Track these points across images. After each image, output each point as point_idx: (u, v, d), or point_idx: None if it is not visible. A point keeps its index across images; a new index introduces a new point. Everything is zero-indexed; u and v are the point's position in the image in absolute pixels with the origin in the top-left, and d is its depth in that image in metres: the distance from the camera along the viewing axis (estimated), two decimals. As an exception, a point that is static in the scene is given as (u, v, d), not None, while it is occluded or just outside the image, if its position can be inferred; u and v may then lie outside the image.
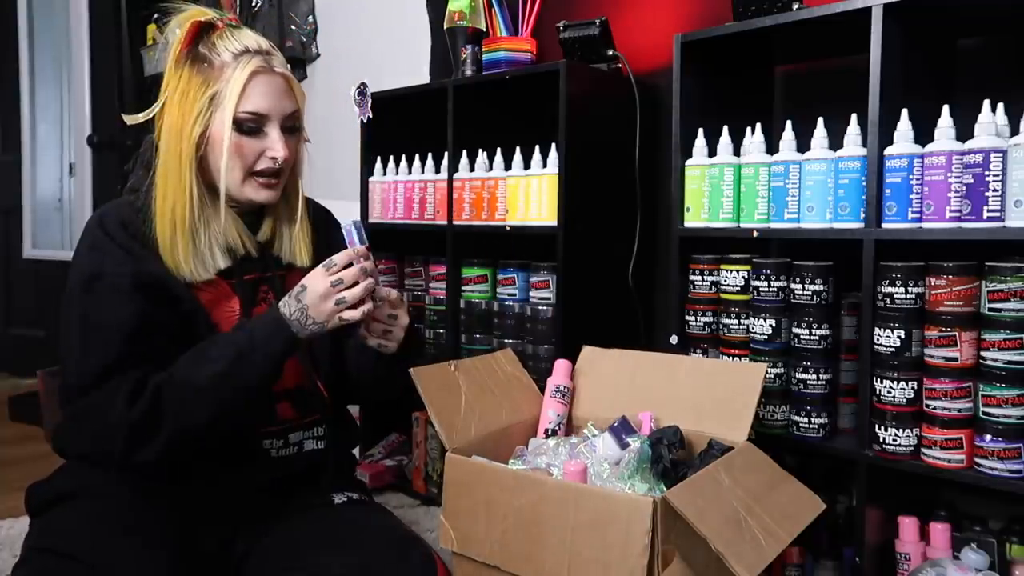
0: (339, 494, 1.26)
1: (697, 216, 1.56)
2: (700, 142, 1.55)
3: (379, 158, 2.25)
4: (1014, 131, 1.21)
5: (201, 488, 1.15)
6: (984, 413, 1.23)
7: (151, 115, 1.18)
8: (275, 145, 1.16)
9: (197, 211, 1.15)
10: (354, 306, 1.11)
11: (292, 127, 1.20)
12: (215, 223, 1.16)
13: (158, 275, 1.12)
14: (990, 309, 1.22)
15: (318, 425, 1.26)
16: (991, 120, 1.21)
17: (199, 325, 1.15)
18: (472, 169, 1.98)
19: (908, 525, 1.32)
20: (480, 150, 1.97)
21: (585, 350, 1.49)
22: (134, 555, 1.03)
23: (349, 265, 1.11)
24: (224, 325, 1.18)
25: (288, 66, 1.21)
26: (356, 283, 1.11)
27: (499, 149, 1.95)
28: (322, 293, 1.09)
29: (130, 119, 1.22)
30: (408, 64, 2.54)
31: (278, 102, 1.16)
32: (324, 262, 1.12)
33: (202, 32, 1.15)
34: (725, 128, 1.53)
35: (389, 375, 1.27)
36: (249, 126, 1.14)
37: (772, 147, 1.49)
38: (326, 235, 1.35)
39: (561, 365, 1.44)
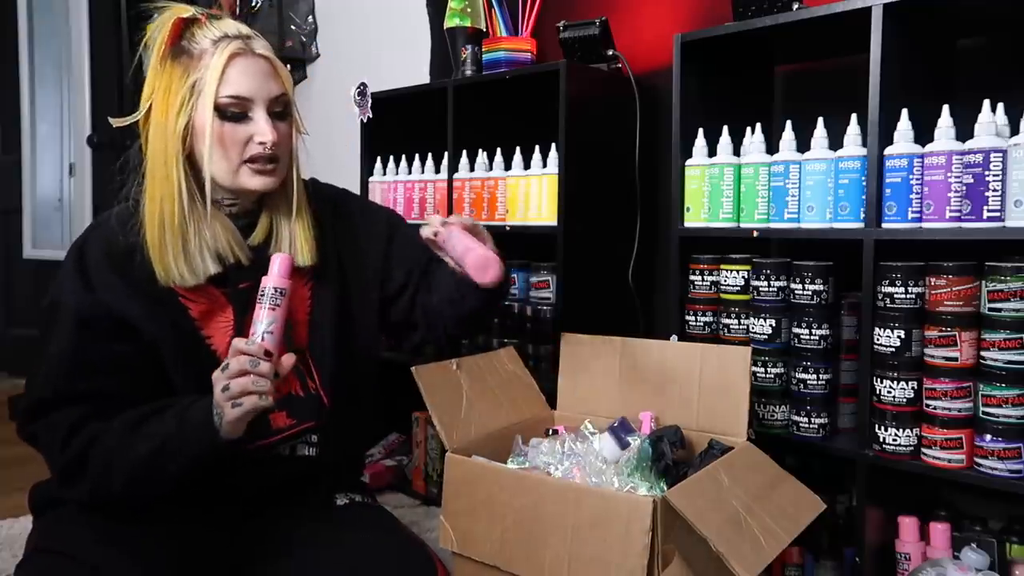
0: (342, 496, 1.25)
1: (697, 216, 1.56)
2: (700, 142, 1.55)
3: (379, 158, 2.25)
4: (1014, 131, 1.21)
5: (198, 492, 1.14)
6: (984, 413, 1.23)
7: (138, 117, 1.14)
8: (262, 128, 1.11)
9: (187, 209, 1.11)
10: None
11: (281, 112, 1.15)
12: (207, 225, 1.13)
13: (113, 307, 1.09)
14: (990, 309, 1.22)
15: (312, 432, 1.21)
16: (991, 120, 1.21)
17: (172, 350, 1.11)
18: (472, 169, 1.98)
19: (908, 525, 1.32)
20: (480, 150, 1.97)
21: (566, 336, 1.47)
22: (135, 556, 1.03)
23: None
24: (218, 336, 1.15)
25: (271, 50, 1.16)
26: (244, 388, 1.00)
27: (499, 149, 1.95)
28: (218, 399, 1.01)
29: (117, 121, 1.19)
30: (408, 64, 2.54)
31: (262, 84, 1.12)
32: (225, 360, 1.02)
33: (185, 29, 1.12)
34: (725, 128, 1.53)
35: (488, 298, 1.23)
36: (233, 112, 1.10)
37: (772, 147, 1.49)
38: (334, 225, 1.28)
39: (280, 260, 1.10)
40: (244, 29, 1.15)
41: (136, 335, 1.10)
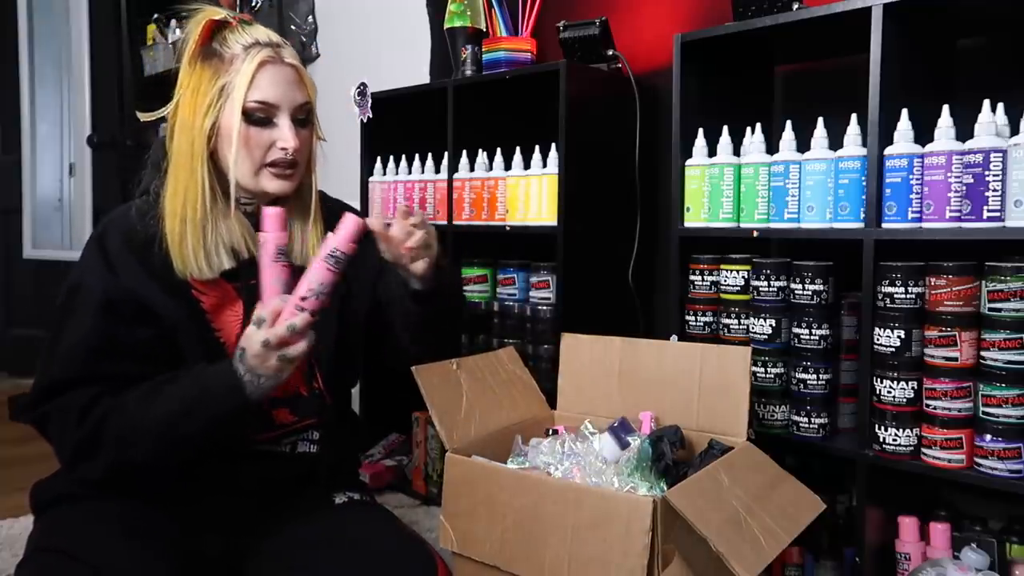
0: (340, 494, 1.25)
1: (697, 216, 1.56)
2: (700, 142, 1.55)
3: (379, 158, 2.25)
4: (1014, 131, 1.21)
5: (199, 489, 1.15)
6: (984, 413, 1.23)
7: (165, 113, 1.18)
8: (285, 135, 1.15)
9: (209, 205, 1.14)
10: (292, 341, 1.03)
11: (304, 120, 1.19)
12: (225, 221, 1.16)
13: (137, 292, 1.11)
14: (990, 309, 1.22)
15: (314, 429, 1.23)
16: (991, 120, 1.21)
17: (188, 338, 1.13)
18: (472, 169, 1.98)
19: (908, 525, 1.32)
20: (480, 150, 1.97)
21: (565, 336, 1.48)
22: (136, 556, 1.03)
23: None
24: (227, 330, 1.17)
25: (299, 58, 1.21)
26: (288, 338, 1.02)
27: (499, 149, 1.95)
28: (259, 353, 1.02)
29: (144, 116, 1.22)
30: (408, 64, 2.54)
31: (288, 92, 1.16)
32: (253, 317, 1.04)
33: (216, 30, 1.16)
34: (725, 128, 1.53)
35: (434, 312, 1.23)
36: (258, 116, 1.14)
37: (772, 147, 1.49)
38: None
39: (350, 221, 1.08)
40: (275, 37, 1.18)
41: (157, 320, 1.12)
